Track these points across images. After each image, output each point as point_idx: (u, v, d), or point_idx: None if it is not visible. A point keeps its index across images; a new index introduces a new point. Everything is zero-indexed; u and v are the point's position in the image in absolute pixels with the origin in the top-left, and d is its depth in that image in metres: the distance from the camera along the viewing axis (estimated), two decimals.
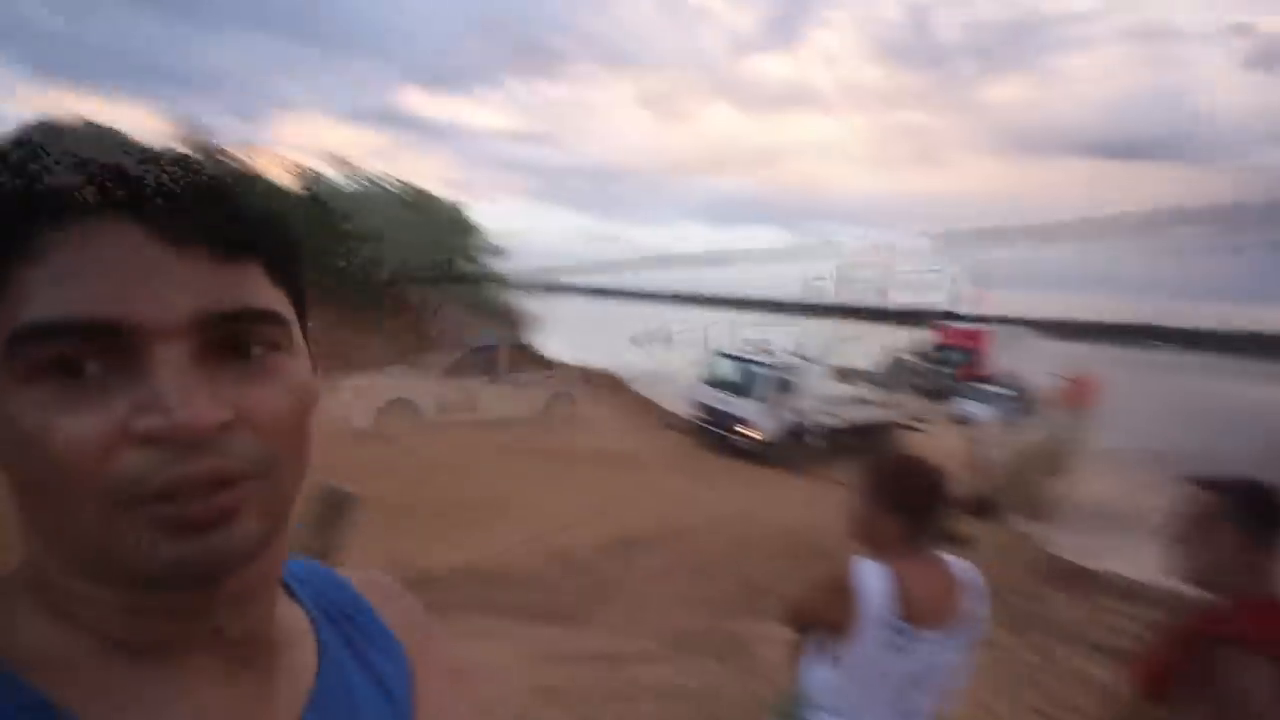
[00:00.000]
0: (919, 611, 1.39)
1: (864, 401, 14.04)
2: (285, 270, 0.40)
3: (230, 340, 0.36)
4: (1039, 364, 29.66)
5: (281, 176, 18.15)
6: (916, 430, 13.16)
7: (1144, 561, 8.11)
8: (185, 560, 0.34)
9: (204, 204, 0.36)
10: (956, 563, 1.51)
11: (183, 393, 0.33)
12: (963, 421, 15.02)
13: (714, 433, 11.40)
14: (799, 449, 11.26)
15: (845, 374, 23.54)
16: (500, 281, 21.06)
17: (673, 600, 5.07)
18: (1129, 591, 7.37)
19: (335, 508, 3.05)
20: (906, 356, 24.76)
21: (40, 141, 0.35)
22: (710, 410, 11.61)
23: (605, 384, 14.93)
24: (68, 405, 0.32)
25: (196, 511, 0.34)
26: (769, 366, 11.41)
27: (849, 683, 1.45)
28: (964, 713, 3.55)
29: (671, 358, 12.47)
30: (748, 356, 12.05)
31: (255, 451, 0.36)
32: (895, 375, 23.87)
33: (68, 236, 0.33)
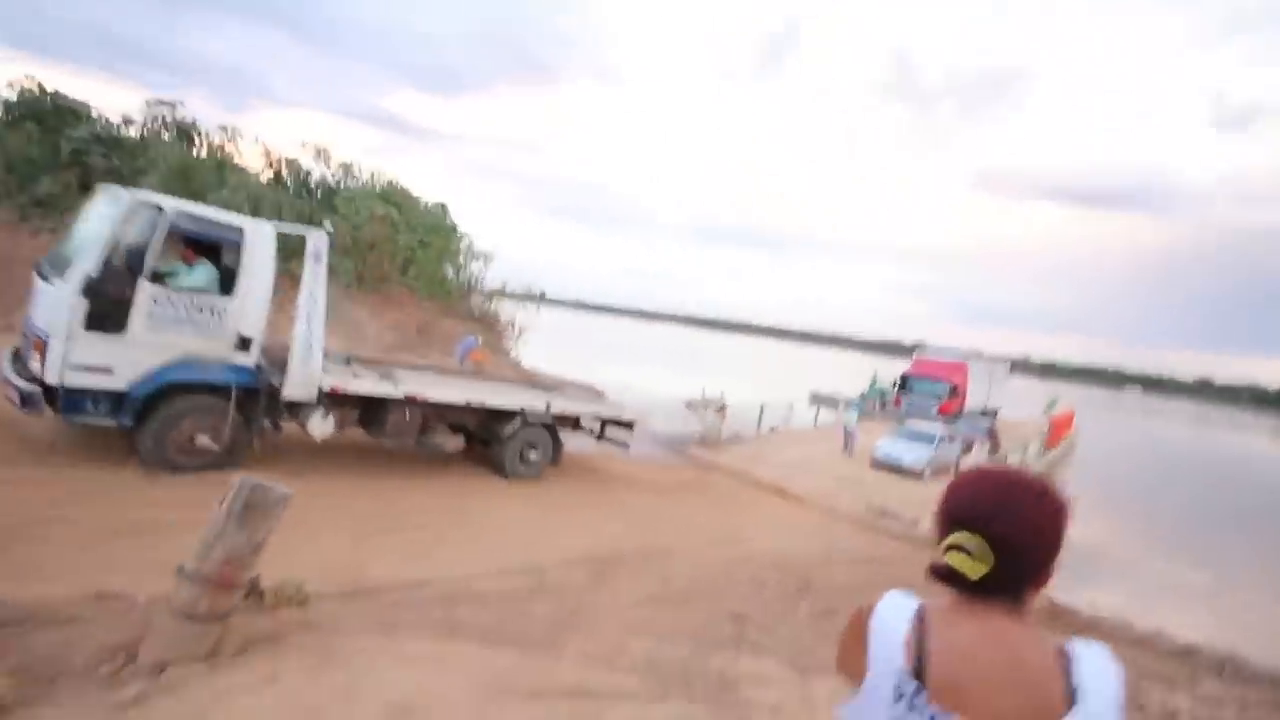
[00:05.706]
0: (946, 675, 0.95)
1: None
2: None
3: None
4: (1013, 399, 30.09)
5: (257, 163, 17.59)
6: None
7: (1114, 602, 7.89)
8: None
9: None
10: (1070, 642, 0.99)
11: None
12: (896, 467, 13.67)
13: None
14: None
15: (821, 398, 23.49)
16: (482, 289, 20.66)
17: (652, 629, 4.57)
18: (1125, 637, 7.08)
19: (257, 504, 2.53)
20: (885, 386, 24.82)
21: None
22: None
23: None
24: None
25: None
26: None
27: None
28: None
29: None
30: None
31: None
32: (872, 401, 23.92)
33: None
